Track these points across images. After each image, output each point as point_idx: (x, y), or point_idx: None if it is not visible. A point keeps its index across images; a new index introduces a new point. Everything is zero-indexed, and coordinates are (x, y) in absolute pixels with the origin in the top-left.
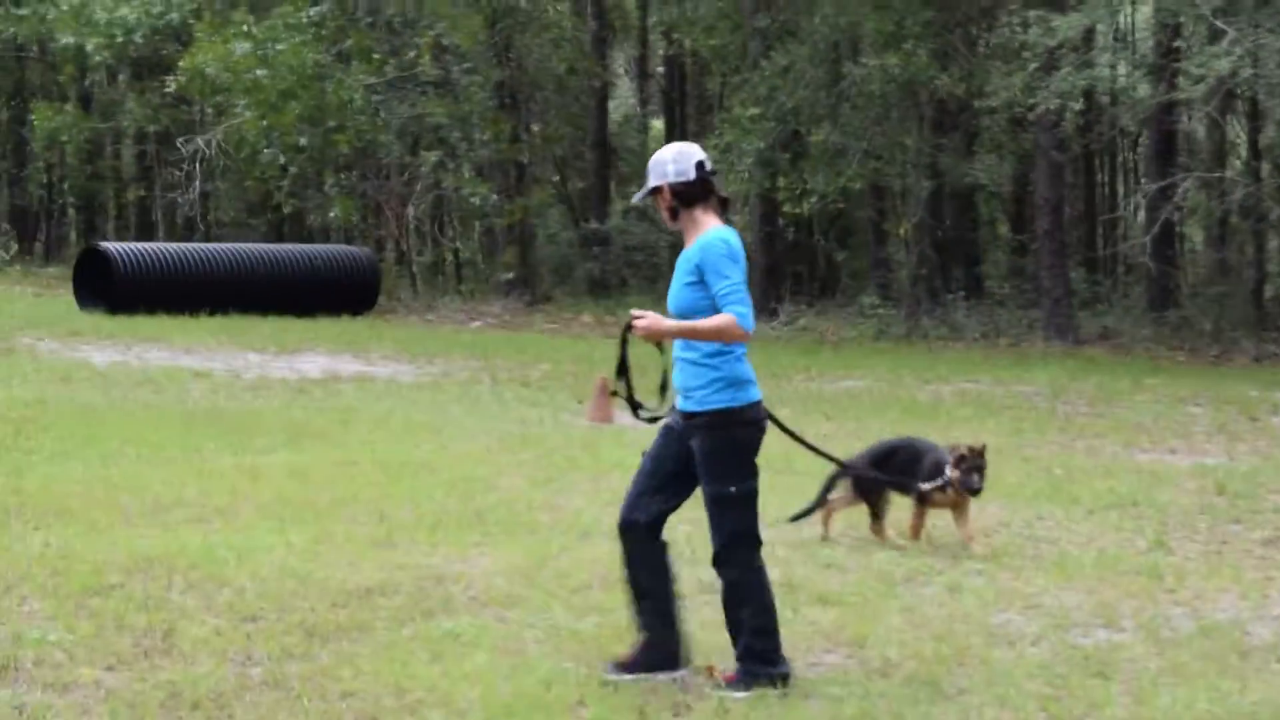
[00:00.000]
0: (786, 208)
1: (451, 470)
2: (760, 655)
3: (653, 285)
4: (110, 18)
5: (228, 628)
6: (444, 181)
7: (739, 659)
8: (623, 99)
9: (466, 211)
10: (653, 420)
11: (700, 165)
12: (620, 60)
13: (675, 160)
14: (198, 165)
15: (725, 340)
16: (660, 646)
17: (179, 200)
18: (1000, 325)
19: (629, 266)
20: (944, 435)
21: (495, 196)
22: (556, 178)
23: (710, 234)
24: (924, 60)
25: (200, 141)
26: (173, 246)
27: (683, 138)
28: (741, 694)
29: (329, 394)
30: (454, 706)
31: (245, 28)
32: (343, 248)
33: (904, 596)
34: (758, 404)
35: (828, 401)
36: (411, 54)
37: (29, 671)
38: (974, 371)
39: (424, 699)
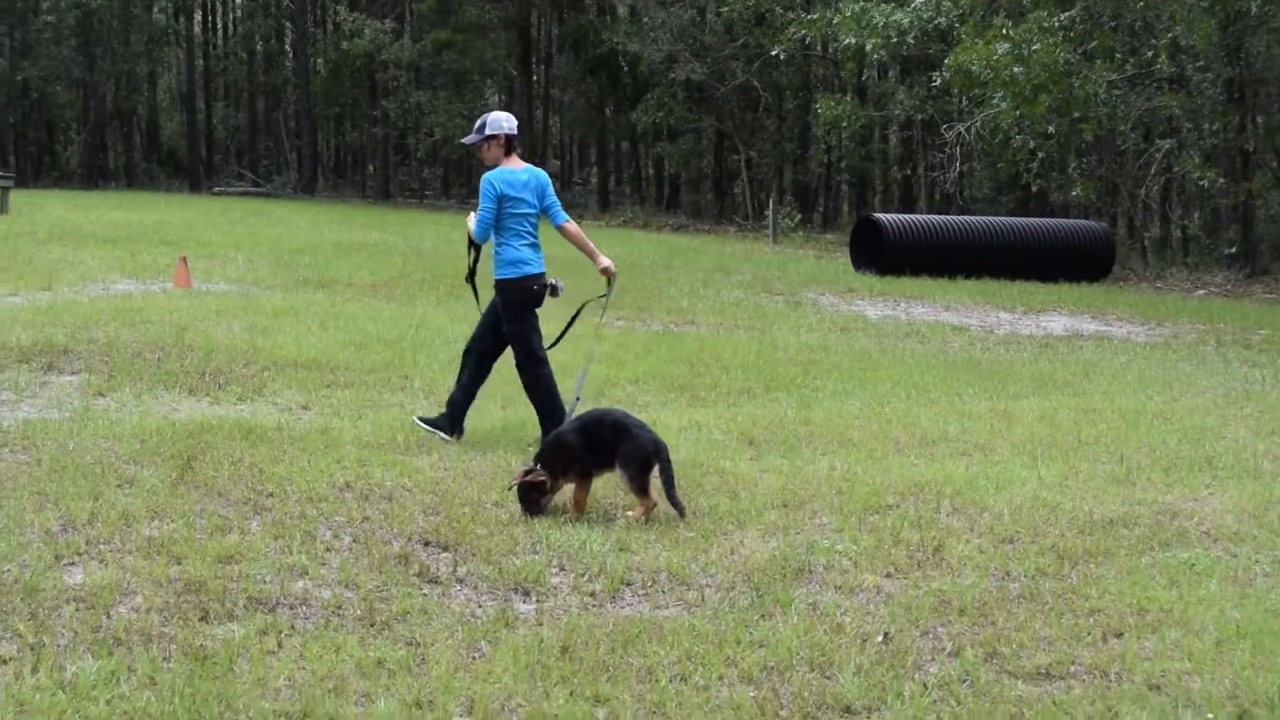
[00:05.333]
0: None
1: (1182, 420)
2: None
3: None
4: (887, 21)
5: (988, 547)
6: (1174, 166)
7: None
8: None
9: (1193, 193)
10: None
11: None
12: None
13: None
14: (957, 149)
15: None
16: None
17: (939, 178)
18: None
19: None
20: None
21: (1221, 180)
22: (1276, 164)
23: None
24: None
25: (960, 128)
26: (934, 218)
27: None
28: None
29: (1071, 349)
30: (1190, 627)
31: (1004, 30)
32: (1081, 222)
33: None
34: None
35: None
36: (1149, 53)
37: (820, 575)
38: None
39: (1163, 619)
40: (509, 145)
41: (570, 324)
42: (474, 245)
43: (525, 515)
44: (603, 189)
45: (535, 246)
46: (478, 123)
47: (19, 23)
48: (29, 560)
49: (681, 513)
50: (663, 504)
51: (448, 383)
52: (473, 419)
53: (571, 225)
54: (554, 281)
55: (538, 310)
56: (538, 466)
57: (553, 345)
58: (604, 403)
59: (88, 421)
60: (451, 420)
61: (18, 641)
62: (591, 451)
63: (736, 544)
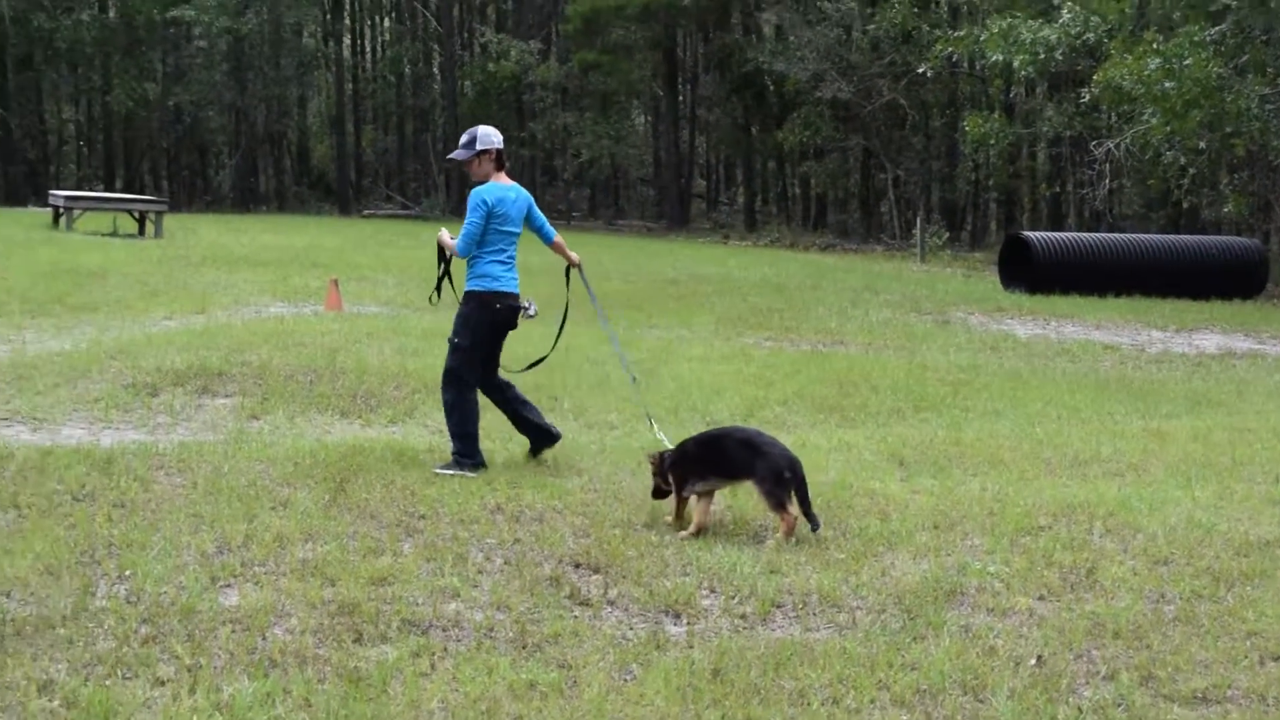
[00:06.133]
0: None
1: None
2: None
3: None
4: (1034, 37)
5: (1143, 569)
6: None
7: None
8: None
9: None
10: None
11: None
12: None
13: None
14: (1106, 166)
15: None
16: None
17: (1088, 195)
18: None
19: None
20: None
21: None
22: None
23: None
24: None
25: (1109, 145)
26: (1084, 236)
27: None
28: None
29: (1224, 368)
30: None
31: (1155, 45)
32: (1233, 239)
33: None
34: (494, 293)
35: None
36: None
37: (973, 597)
38: None
39: None
40: (499, 161)
41: (562, 323)
42: (444, 260)
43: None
44: (749, 208)
45: (509, 266)
46: (466, 137)
47: (172, 49)
48: (185, 582)
49: (817, 525)
50: (801, 524)
51: (597, 403)
52: (622, 438)
53: (559, 238)
54: (527, 304)
55: (512, 331)
56: (664, 457)
57: (553, 346)
58: (753, 423)
59: (242, 444)
60: (536, 439)
61: (175, 663)
62: (706, 464)
63: (887, 566)
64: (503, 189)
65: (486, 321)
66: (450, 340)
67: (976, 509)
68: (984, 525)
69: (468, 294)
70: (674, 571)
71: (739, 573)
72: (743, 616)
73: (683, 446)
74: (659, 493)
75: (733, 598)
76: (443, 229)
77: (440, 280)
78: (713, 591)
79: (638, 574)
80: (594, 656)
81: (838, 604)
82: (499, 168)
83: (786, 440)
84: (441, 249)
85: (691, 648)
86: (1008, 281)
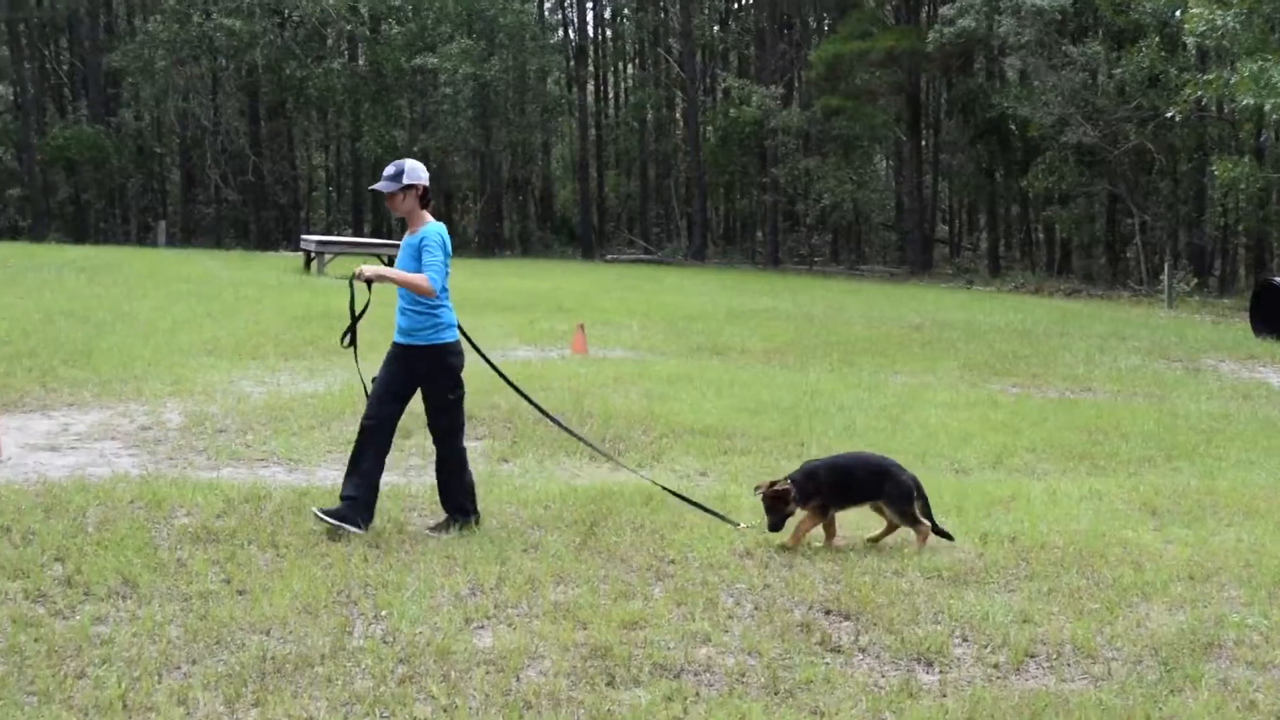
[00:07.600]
0: None
1: None
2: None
3: None
4: None
5: None
6: None
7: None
8: None
9: None
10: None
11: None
12: None
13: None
14: None
15: (419, 292)
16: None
17: None
18: None
19: None
20: None
21: None
22: None
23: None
24: None
25: None
26: None
27: None
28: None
29: None
30: None
31: None
32: None
33: None
34: (456, 341)
35: None
36: None
37: (1230, 650)
38: None
39: None
40: (425, 198)
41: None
42: (354, 303)
43: (769, 527)
44: (993, 254)
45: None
46: (392, 169)
47: (419, 96)
48: (440, 623)
49: (949, 537)
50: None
51: (844, 449)
52: None
53: None
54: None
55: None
56: (789, 480)
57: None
58: (1001, 470)
59: (493, 486)
60: (366, 509)
61: (432, 703)
62: (837, 489)
63: (1142, 616)
64: (443, 228)
65: (461, 365)
66: (447, 399)
67: (1233, 560)
68: (1241, 576)
69: (449, 347)
70: (925, 619)
71: (991, 621)
72: (995, 666)
73: (814, 470)
74: (780, 524)
75: (985, 646)
76: (367, 265)
77: (356, 321)
78: (965, 640)
79: (889, 621)
80: (846, 704)
81: (1092, 655)
82: (424, 204)
83: (1037, 488)
84: (354, 290)
85: (945, 696)
86: (1259, 328)
